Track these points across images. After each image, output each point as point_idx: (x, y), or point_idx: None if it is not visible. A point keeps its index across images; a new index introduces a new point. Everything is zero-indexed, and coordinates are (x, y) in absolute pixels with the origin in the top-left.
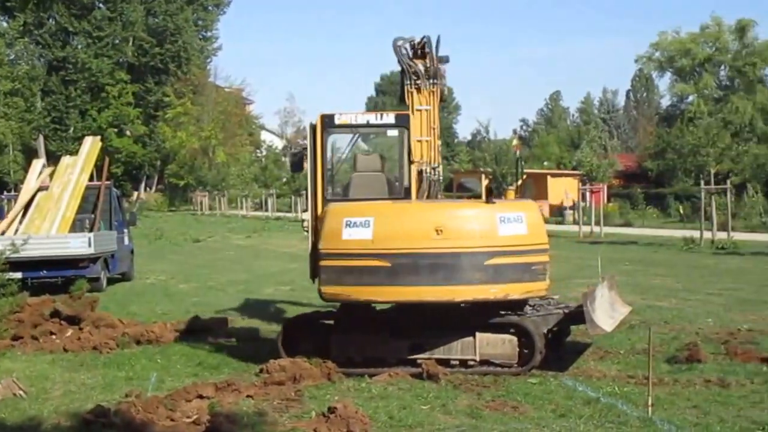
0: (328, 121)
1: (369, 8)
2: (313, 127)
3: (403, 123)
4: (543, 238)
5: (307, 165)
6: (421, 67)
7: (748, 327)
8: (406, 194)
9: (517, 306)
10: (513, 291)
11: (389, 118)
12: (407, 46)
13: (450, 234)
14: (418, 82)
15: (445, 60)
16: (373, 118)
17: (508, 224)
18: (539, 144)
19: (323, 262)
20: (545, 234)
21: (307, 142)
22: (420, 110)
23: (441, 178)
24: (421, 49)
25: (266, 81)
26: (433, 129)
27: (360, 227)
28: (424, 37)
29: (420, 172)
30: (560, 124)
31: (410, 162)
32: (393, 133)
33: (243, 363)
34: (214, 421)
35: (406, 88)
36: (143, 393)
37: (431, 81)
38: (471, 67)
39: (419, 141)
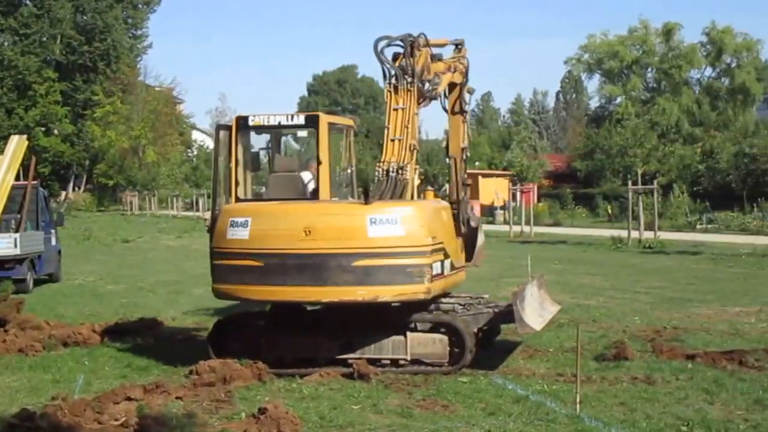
0: (243, 123)
1: (301, 8)
2: (228, 129)
3: (311, 124)
4: (421, 240)
5: (230, 165)
6: (398, 67)
7: (673, 325)
8: (314, 195)
9: (420, 307)
10: (383, 293)
11: (299, 119)
12: (398, 43)
13: (318, 235)
14: (395, 81)
15: (437, 57)
16: (284, 119)
17: (380, 225)
18: (470, 144)
19: (214, 261)
20: (426, 236)
21: (213, 143)
22: (396, 109)
23: (408, 177)
24: (411, 48)
25: (197, 80)
26: (407, 128)
27: (240, 227)
28: (408, 35)
29: (387, 172)
30: (491, 124)
31: (318, 163)
32: (303, 133)
33: (172, 364)
34: (143, 424)
35: (385, 87)
36: (70, 396)
37: (408, 80)
38: None
39: (392, 140)
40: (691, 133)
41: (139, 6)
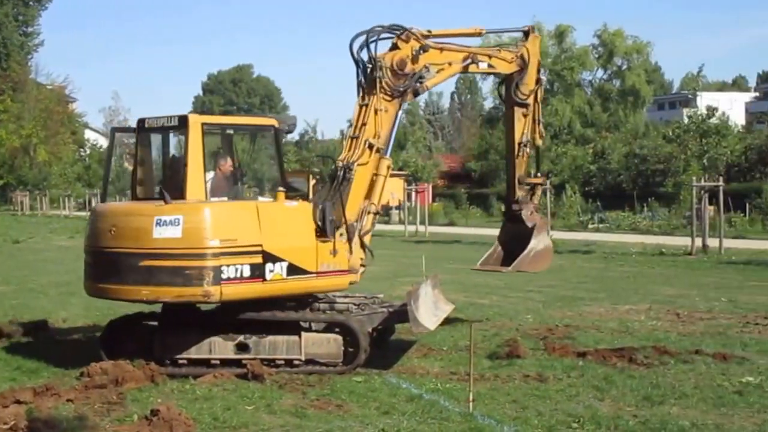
0: (141, 125)
1: (196, 7)
2: (122, 131)
3: (182, 125)
4: (201, 243)
5: (133, 165)
6: (365, 62)
7: (565, 323)
8: (183, 195)
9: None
10: (164, 294)
11: (174, 120)
12: (384, 36)
13: (118, 234)
14: (361, 79)
15: (424, 49)
16: (166, 121)
17: (164, 227)
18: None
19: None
20: (208, 238)
21: (107, 145)
22: (362, 106)
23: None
24: (397, 40)
25: (90, 79)
26: (365, 125)
27: (89, 226)
28: (378, 27)
29: (335, 169)
30: None
31: (184, 164)
32: (180, 134)
33: (63, 366)
34: (33, 427)
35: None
36: None
37: (371, 76)
38: (298, 67)
39: (351, 138)
40: (583, 133)
41: (30, 3)
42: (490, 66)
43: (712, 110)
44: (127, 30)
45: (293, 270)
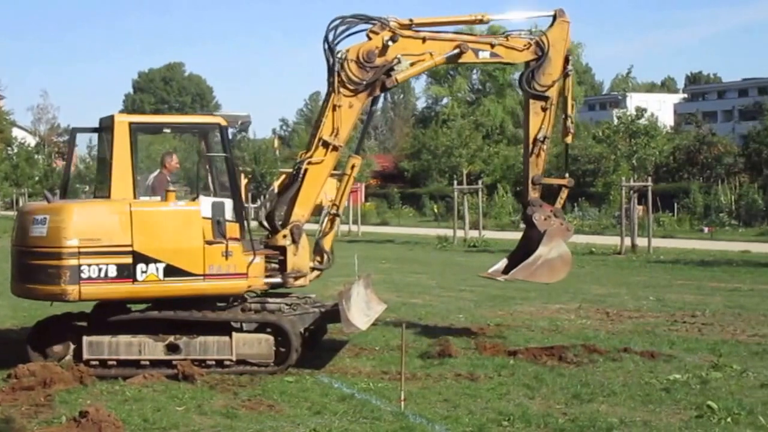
0: (100, 124)
1: (129, 4)
2: (92, 130)
3: (107, 125)
4: (59, 242)
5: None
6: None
7: (496, 322)
8: (109, 195)
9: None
10: (32, 292)
11: (108, 121)
12: (358, 29)
13: (19, 234)
14: (330, 78)
15: (393, 39)
16: (106, 121)
17: (36, 226)
18: (299, 144)
19: None
20: (67, 238)
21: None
22: (324, 102)
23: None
24: (370, 31)
25: (18, 76)
26: (322, 122)
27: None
28: (338, 18)
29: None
30: None
31: (109, 165)
32: (107, 135)
33: None
34: None
35: None
36: None
37: (332, 74)
38: (231, 66)
39: (311, 135)
40: (515, 134)
41: None
42: (493, 55)
43: (641, 111)
44: (55, 27)
45: (172, 272)
